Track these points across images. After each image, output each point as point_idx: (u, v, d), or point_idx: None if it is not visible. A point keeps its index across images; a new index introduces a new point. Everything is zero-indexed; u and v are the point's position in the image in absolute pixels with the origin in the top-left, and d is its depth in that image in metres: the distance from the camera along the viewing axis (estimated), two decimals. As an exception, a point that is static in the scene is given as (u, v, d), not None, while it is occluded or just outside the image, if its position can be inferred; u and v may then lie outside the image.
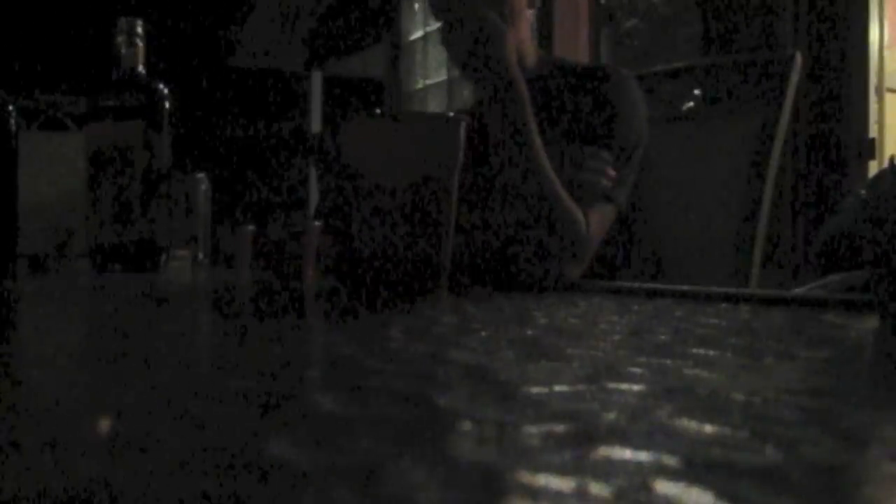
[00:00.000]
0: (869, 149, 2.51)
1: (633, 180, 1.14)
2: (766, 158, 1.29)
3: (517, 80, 1.02)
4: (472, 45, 1.01)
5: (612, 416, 0.22)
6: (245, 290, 0.85)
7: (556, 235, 1.03)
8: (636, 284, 0.80)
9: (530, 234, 1.04)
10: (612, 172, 1.09)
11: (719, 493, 0.15)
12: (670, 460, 0.17)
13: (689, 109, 1.39)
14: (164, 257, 1.19)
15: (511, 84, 1.02)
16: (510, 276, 1.01)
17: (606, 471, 0.17)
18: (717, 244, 1.30)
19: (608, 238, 1.13)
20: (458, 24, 1.02)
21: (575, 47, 3.23)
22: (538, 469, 0.17)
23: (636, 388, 0.26)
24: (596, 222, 1.09)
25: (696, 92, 1.39)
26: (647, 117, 1.18)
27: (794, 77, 1.30)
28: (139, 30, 1.19)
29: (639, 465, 0.17)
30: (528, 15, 1.21)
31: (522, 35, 1.18)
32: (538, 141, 1.04)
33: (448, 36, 1.03)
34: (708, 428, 0.20)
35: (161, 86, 1.19)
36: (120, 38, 1.19)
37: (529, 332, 0.42)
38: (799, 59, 1.31)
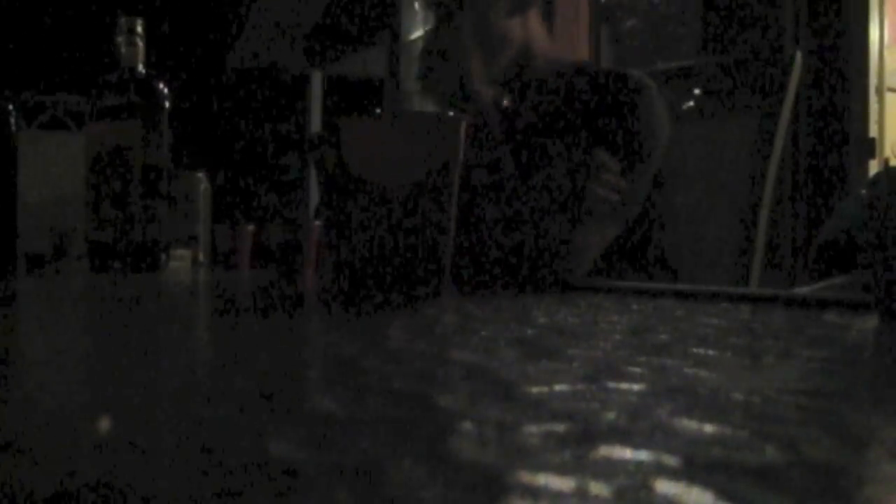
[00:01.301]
0: (869, 149, 2.51)
1: (646, 191, 1.13)
2: (766, 158, 1.30)
3: (478, 96, 1.07)
4: (431, 61, 1.08)
5: (612, 415, 0.22)
6: (245, 290, 0.85)
7: (540, 251, 1.07)
8: (636, 284, 0.81)
9: (519, 243, 1.08)
10: (622, 184, 1.08)
11: (719, 493, 0.15)
12: (670, 460, 0.17)
13: (690, 109, 1.39)
14: (163, 257, 1.19)
15: (472, 99, 1.07)
16: (506, 275, 1.03)
17: (606, 470, 0.17)
18: (718, 244, 1.30)
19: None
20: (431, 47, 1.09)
21: (575, 46, 3.22)
22: (538, 468, 0.17)
23: (636, 387, 0.26)
24: (595, 237, 1.11)
25: (697, 91, 1.39)
26: (669, 129, 1.15)
27: (795, 76, 1.30)
28: (139, 29, 1.19)
29: (639, 464, 0.17)
30: (527, 16, 1.16)
31: (515, 38, 1.15)
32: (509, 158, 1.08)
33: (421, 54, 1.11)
34: (708, 427, 0.20)
35: (161, 85, 1.19)
36: (120, 38, 1.19)
37: (529, 332, 0.42)
38: (799, 58, 1.31)
